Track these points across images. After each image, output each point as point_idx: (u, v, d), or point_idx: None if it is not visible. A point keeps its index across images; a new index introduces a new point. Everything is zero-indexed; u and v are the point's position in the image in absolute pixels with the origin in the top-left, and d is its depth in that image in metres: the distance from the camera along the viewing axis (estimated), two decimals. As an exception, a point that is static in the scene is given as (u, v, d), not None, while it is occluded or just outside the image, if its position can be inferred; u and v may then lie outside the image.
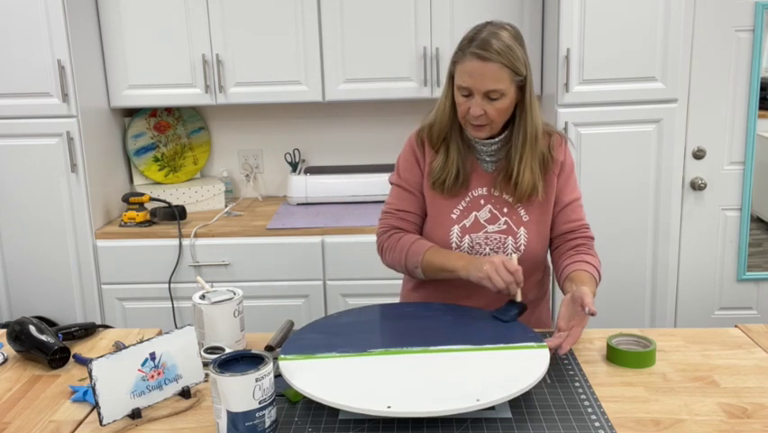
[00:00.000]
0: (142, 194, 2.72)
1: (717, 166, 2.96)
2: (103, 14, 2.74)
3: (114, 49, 2.76)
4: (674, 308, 3.11)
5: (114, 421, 1.22)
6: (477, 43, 1.46)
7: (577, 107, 2.52)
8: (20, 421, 1.25)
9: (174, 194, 2.89)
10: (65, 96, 2.55)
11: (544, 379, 1.33)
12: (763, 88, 2.87)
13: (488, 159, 1.61)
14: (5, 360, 1.51)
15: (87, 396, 1.31)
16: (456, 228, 1.60)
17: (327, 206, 2.92)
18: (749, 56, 2.84)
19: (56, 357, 1.46)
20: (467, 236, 1.59)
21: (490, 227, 1.59)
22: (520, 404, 1.24)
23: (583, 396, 1.27)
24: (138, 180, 3.02)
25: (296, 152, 3.09)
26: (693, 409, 1.23)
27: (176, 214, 2.71)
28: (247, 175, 3.16)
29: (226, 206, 2.99)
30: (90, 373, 1.18)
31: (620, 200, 2.59)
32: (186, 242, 2.65)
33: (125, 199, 2.72)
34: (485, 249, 1.59)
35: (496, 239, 1.59)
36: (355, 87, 2.77)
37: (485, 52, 1.44)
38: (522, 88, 1.51)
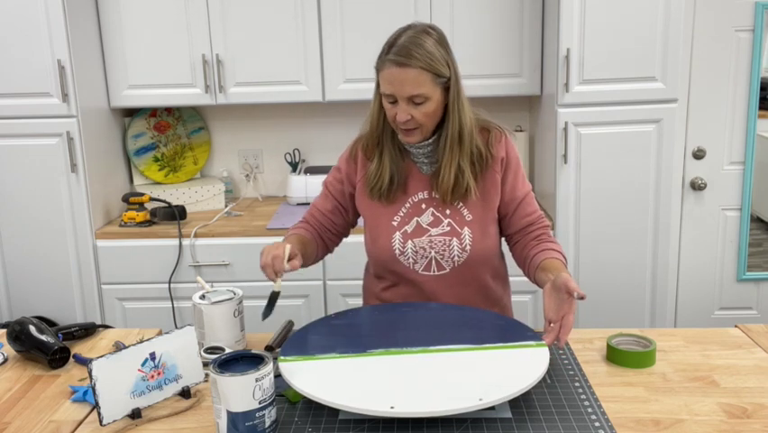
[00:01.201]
0: (142, 194, 2.72)
1: (717, 166, 2.96)
2: (103, 14, 2.74)
3: (114, 49, 2.76)
4: (674, 308, 3.11)
5: (114, 421, 1.22)
6: (395, 50, 1.45)
7: (577, 107, 2.52)
8: (20, 421, 1.25)
9: (174, 194, 2.89)
10: (65, 96, 2.55)
11: (543, 379, 1.33)
12: (763, 88, 2.87)
13: (425, 160, 1.60)
14: (5, 360, 1.51)
15: (87, 396, 1.31)
16: (398, 235, 1.59)
17: (327, 206, 2.91)
18: (749, 56, 2.84)
19: (56, 357, 1.46)
20: (409, 242, 1.58)
21: (434, 230, 1.58)
22: (520, 404, 1.24)
23: (583, 396, 1.27)
24: (138, 180, 3.02)
25: (296, 152, 3.09)
26: (693, 409, 1.23)
27: (176, 214, 2.71)
28: (247, 175, 3.16)
29: (226, 206, 2.99)
30: (90, 373, 1.18)
31: (620, 200, 2.59)
32: (186, 242, 2.65)
33: (125, 199, 2.72)
34: (430, 253, 1.58)
35: (440, 242, 1.58)
36: (355, 87, 2.77)
37: (403, 58, 1.44)
38: (448, 90, 1.50)
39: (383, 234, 1.60)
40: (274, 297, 1.49)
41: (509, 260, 1.71)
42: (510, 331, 1.41)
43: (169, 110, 3.04)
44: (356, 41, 2.72)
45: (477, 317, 1.49)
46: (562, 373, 1.36)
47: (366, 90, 2.73)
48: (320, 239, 1.70)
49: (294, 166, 3.01)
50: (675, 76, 2.49)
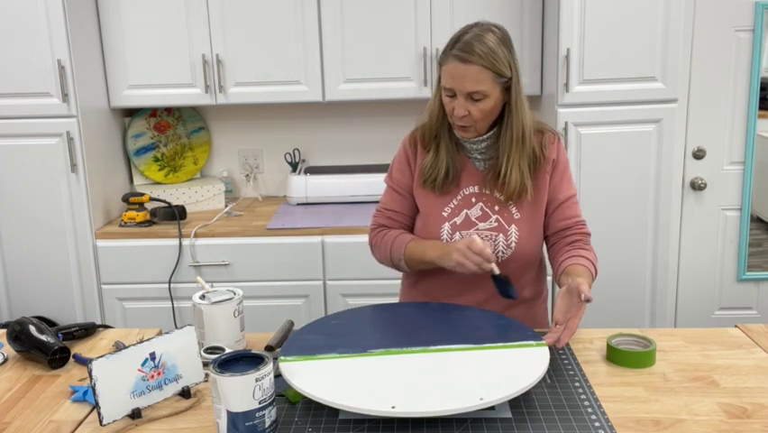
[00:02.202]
0: (142, 194, 2.72)
1: (717, 166, 2.96)
2: (103, 14, 2.74)
3: (114, 49, 2.76)
4: (674, 308, 3.11)
5: (114, 421, 1.22)
6: (459, 45, 1.48)
7: (577, 107, 2.52)
8: (20, 421, 1.25)
9: (174, 194, 2.89)
10: (65, 96, 2.55)
11: (543, 379, 1.33)
12: (763, 88, 2.87)
13: (478, 156, 1.62)
14: (5, 360, 1.51)
15: (87, 396, 1.31)
16: (447, 225, 1.61)
17: (327, 206, 2.92)
18: (749, 56, 2.84)
19: (56, 357, 1.46)
20: (457, 233, 1.61)
21: (481, 225, 1.60)
22: (520, 404, 1.24)
23: (583, 396, 1.27)
24: (138, 180, 3.02)
25: (296, 152, 3.09)
26: (693, 409, 1.23)
27: (176, 214, 2.71)
28: (247, 175, 3.16)
29: (226, 206, 2.99)
30: (90, 373, 1.18)
31: (620, 200, 2.59)
32: (186, 242, 2.65)
33: (125, 199, 2.72)
34: None
35: (487, 236, 1.59)
36: (355, 87, 2.77)
37: (466, 54, 1.47)
38: (508, 89, 1.52)
39: (433, 223, 1.63)
40: (507, 279, 1.53)
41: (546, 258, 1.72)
42: (510, 331, 1.41)
43: (169, 110, 3.04)
44: (356, 42, 2.72)
45: (477, 316, 1.50)
46: (562, 373, 1.36)
47: (366, 90, 2.77)
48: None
49: (294, 166, 3.01)
50: (675, 76, 2.49)
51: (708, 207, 3.00)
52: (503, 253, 1.60)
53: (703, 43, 2.84)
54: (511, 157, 1.56)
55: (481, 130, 1.56)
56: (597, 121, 2.53)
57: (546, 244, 1.69)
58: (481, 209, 1.61)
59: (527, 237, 1.60)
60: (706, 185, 2.96)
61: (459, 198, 1.63)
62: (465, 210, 1.62)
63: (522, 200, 1.60)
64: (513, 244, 1.59)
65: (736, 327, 1.59)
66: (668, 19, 2.45)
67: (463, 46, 1.48)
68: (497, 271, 1.51)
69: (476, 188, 1.62)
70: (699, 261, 3.05)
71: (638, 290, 2.66)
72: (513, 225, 1.60)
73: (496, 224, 1.60)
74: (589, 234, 1.65)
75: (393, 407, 1.12)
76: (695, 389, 1.30)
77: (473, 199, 1.62)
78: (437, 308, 1.55)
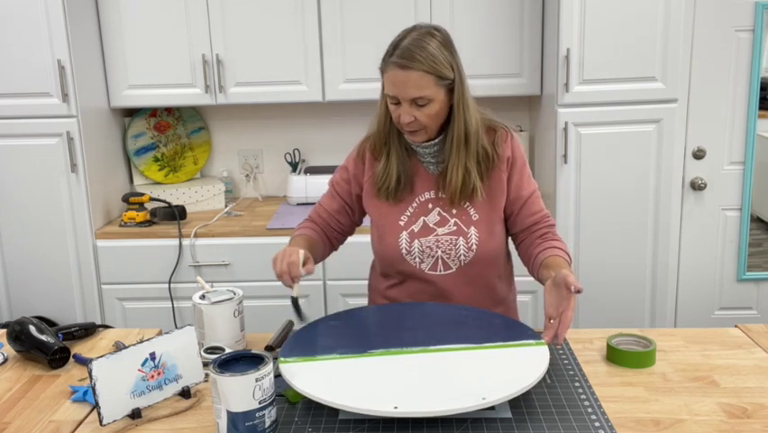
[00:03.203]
0: (142, 194, 2.72)
1: (717, 166, 2.96)
2: (103, 14, 2.74)
3: (114, 49, 2.76)
4: (674, 308, 3.11)
5: (114, 421, 1.22)
6: (398, 52, 1.46)
7: (577, 107, 2.52)
8: (20, 421, 1.25)
9: (174, 194, 2.89)
10: (65, 96, 2.55)
11: (543, 379, 1.33)
12: (763, 88, 2.87)
13: (431, 160, 1.60)
14: (5, 360, 1.51)
15: (87, 396, 1.31)
16: (404, 234, 1.60)
17: (327, 206, 2.91)
18: (749, 56, 2.84)
19: (56, 357, 1.46)
20: (416, 241, 1.59)
21: (440, 230, 1.59)
22: (520, 404, 1.24)
23: (583, 396, 1.27)
24: (138, 180, 3.02)
25: (296, 151, 3.09)
26: (693, 409, 1.23)
27: (176, 214, 2.71)
28: (247, 175, 3.16)
29: (226, 206, 2.99)
30: (90, 373, 1.18)
31: (620, 200, 2.59)
32: (186, 242, 2.65)
33: (125, 199, 2.72)
34: (436, 252, 1.59)
35: (447, 241, 1.58)
36: (355, 87, 2.77)
37: (405, 61, 1.45)
38: (453, 91, 1.51)
39: (390, 233, 1.61)
40: (295, 302, 1.51)
41: (516, 259, 1.71)
42: (509, 330, 1.41)
43: (169, 110, 3.04)
44: (356, 41, 2.72)
45: (476, 316, 1.50)
46: (562, 373, 1.36)
47: (366, 90, 2.76)
48: (326, 238, 1.72)
49: (294, 166, 3.01)
50: (675, 76, 2.49)
51: (708, 207, 3.00)
52: (465, 256, 1.58)
53: (703, 43, 2.84)
54: (454, 158, 1.54)
55: (432, 132, 1.54)
56: (597, 121, 2.53)
57: (514, 241, 1.67)
58: (439, 214, 1.60)
59: (487, 238, 1.59)
60: (706, 185, 2.96)
61: (414, 204, 1.61)
62: (422, 217, 1.60)
63: (477, 200, 1.58)
64: (474, 247, 1.58)
65: (736, 326, 1.59)
66: (668, 19, 2.45)
67: (402, 52, 1.45)
68: (293, 293, 1.49)
69: (431, 193, 1.61)
70: (699, 261, 3.05)
71: (638, 290, 2.66)
72: (472, 227, 1.58)
73: (455, 227, 1.58)
74: (554, 225, 1.64)
75: (396, 407, 1.12)
76: (695, 389, 1.30)
77: (430, 205, 1.60)
78: (436, 307, 1.55)
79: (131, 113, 3.00)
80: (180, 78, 2.77)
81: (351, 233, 1.78)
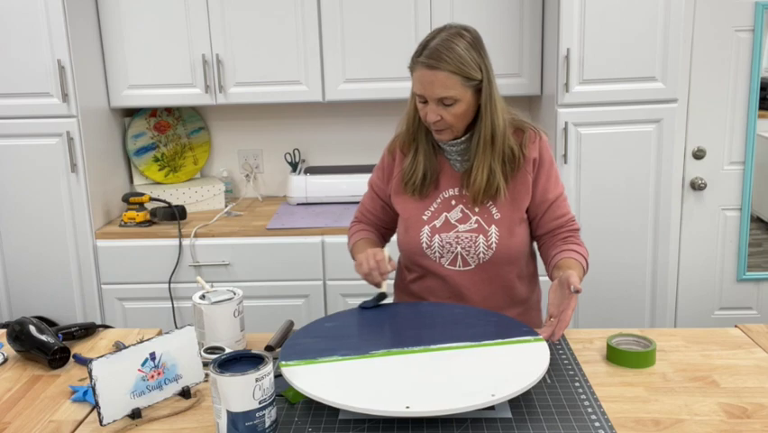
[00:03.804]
0: (142, 194, 2.72)
1: (717, 166, 2.96)
2: (103, 14, 2.74)
3: (114, 49, 2.76)
4: (674, 308, 3.11)
5: (114, 421, 1.22)
6: (426, 52, 1.48)
7: (577, 107, 2.52)
8: (20, 421, 1.25)
9: (174, 194, 2.89)
10: (65, 96, 2.55)
11: (543, 379, 1.33)
12: (763, 88, 2.88)
13: (458, 158, 1.63)
14: (5, 360, 1.51)
15: (87, 396, 1.31)
16: (426, 228, 1.62)
17: (327, 206, 2.92)
18: (749, 56, 2.84)
19: (56, 357, 1.46)
20: (437, 236, 1.61)
21: (461, 227, 1.60)
22: (520, 404, 1.24)
23: (583, 396, 1.27)
24: (138, 180, 3.02)
25: (296, 151, 3.09)
26: (693, 409, 1.23)
27: (176, 214, 2.71)
28: (247, 175, 3.16)
29: (226, 206, 2.99)
30: (90, 373, 1.18)
31: (620, 200, 2.59)
32: (186, 242, 2.65)
33: (125, 199, 2.72)
34: (456, 248, 1.60)
35: (467, 238, 1.60)
36: (355, 87, 2.77)
37: (433, 61, 1.47)
38: (480, 91, 1.52)
39: (413, 227, 1.64)
40: (383, 297, 1.57)
41: (540, 261, 1.72)
42: (505, 328, 1.42)
43: (168, 110, 3.04)
44: (356, 42, 2.72)
45: (472, 315, 1.50)
46: (562, 373, 1.36)
47: (366, 90, 2.77)
48: (380, 236, 1.79)
49: (294, 166, 3.01)
50: (675, 76, 2.49)
51: (708, 207, 3.00)
52: (484, 254, 1.59)
53: (703, 43, 2.84)
54: (478, 157, 1.56)
55: (458, 131, 1.56)
56: (597, 121, 2.53)
57: (537, 243, 1.68)
58: (461, 211, 1.61)
59: (508, 237, 1.60)
60: (706, 185, 2.97)
61: (438, 201, 1.63)
62: (445, 213, 1.62)
63: (500, 200, 1.59)
64: (494, 245, 1.59)
65: (736, 327, 1.59)
66: (668, 19, 2.45)
67: (430, 53, 1.47)
68: (383, 288, 1.55)
69: (455, 190, 1.63)
70: (698, 261, 3.05)
71: (638, 290, 2.66)
72: (493, 226, 1.59)
73: (476, 225, 1.60)
74: (578, 230, 1.65)
75: (407, 407, 1.12)
76: (695, 389, 1.30)
77: (453, 202, 1.62)
78: (431, 307, 1.56)
79: (131, 113, 3.00)
80: (180, 78, 2.77)
81: (396, 226, 1.81)
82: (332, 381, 1.22)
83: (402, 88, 2.76)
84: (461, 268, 1.61)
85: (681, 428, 1.17)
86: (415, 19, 2.70)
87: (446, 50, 1.47)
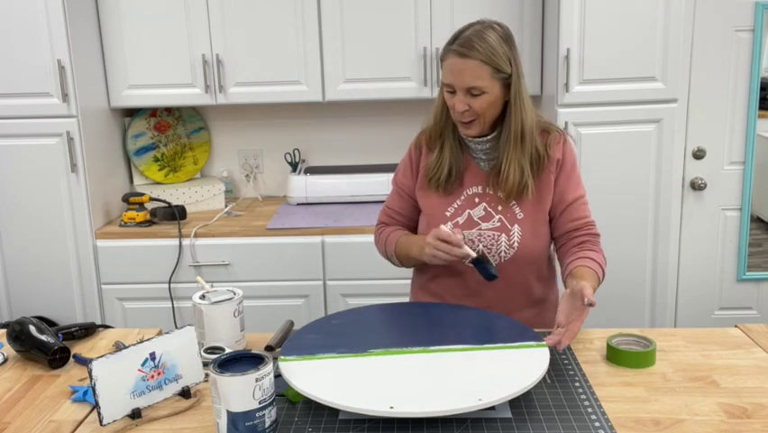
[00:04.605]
0: (142, 194, 2.72)
1: (717, 166, 2.96)
2: (103, 14, 2.74)
3: (114, 49, 2.76)
4: (674, 308, 3.11)
5: (114, 421, 1.22)
6: (459, 41, 1.50)
7: (577, 107, 2.52)
8: (20, 421, 1.25)
9: (174, 194, 2.89)
10: (65, 96, 2.55)
11: (543, 379, 1.33)
12: (763, 88, 2.87)
13: (483, 157, 1.63)
14: (5, 360, 1.51)
15: (87, 396, 1.31)
16: (449, 225, 1.62)
17: (327, 206, 2.92)
18: (749, 56, 2.84)
19: (56, 357, 1.46)
20: (459, 233, 1.60)
21: (484, 225, 1.61)
22: (520, 404, 1.24)
23: (583, 396, 1.27)
24: (138, 180, 3.02)
25: (296, 151, 3.09)
26: (693, 409, 1.23)
27: (176, 214, 2.71)
28: (247, 175, 3.16)
29: (226, 206, 2.99)
30: (90, 373, 1.18)
31: (620, 200, 2.59)
32: (186, 242, 2.65)
33: (125, 199, 2.72)
34: (478, 246, 1.60)
35: (489, 236, 1.60)
36: (355, 87, 2.77)
37: (464, 49, 1.48)
38: (509, 86, 1.53)
39: (436, 222, 1.63)
40: (484, 257, 1.54)
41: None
42: (510, 332, 1.41)
43: (168, 110, 3.04)
44: (356, 42, 2.72)
45: (478, 317, 1.49)
46: (562, 373, 1.36)
47: (366, 90, 2.77)
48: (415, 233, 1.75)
49: (294, 166, 3.01)
50: (675, 76, 2.49)
51: (708, 206, 3.00)
52: (506, 253, 1.60)
53: (703, 43, 2.84)
54: (510, 155, 1.56)
55: (485, 126, 1.56)
56: (597, 121, 2.53)
57: (555, 245, 1.68)
58: (484, 209, 1.62)
59: (530, 237, 1.60)
60: (706, 185, 2.97)
61: (462, 198, 1.63)
62: (468, 210, 1.62)
63: (524, 200, 1.60)
64: (516, 244, 1.60)
65: (735, 327, 1.59)
66: (668, 19, 2.45)
67: (463, 41, 1.49)
68: (472, 253, 1.49)
69: (479, 188, 1.63)
70: (698, 261, 3.05)
71: (638, 290, 2.66)
72: (516, 225, 1.60)
73: (499, 224, 1.60)
74: (598, 235, 1.65)
75: (391, 407, 1.12)
76: (695, 389, 1.30)
77: (476, 199, 1.62)
78: (439, 308, 1.55)
79: (131, 113, 3.00)
80: (180, 78, 2.77)
81: None
82: (325, 377, 1.22)
83: (402, 88, 2.77)
84: None
85: (681, 428, 1.17)
86: (415, 19, 2.70)
87: (479, 40, 1.48)
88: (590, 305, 1.33)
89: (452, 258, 1.50)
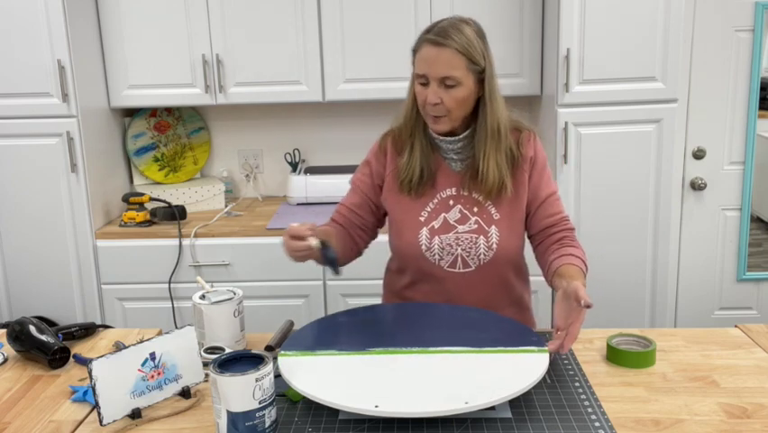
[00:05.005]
0: (142, 194, 2.72)
1: (717, 166, 2.96)
2: (103, 14, 2.74)
3: (114, 49, 2.76)
4: (674, 308, 3.11)
5: (114, 421, 1.22)
6: (434, 30, 1.49)
7: (577, 107, 2.52)
8: (20, 421, 1.25)
9: (174, 194, 2.89)
10: (65, 96, 2.55)
11: (543, 379, 1.33)
12: (763, 88, 2.88)
13: (455, 157, 1.60)
14: (5, 360, 1.51)
15: (87, 396, 1.31)
16: (425, 230, 1.59)
17: (327, 206, 2.91)
18: (749, 56, 2.84)
19: (56, 357, 1.46)
20: (436, 237, 1.58)
21: (461, 227, 1.58)
22: (520, 404, 1.24)
23: (583, 396, 1.27)
24: (138, 180, 3.02)
25: (296, 151, 3.09)
26: (693, 409, 1.23)
27: (176, 214, 2.71)
28: (247, 175, 3.16)
29: (226, 206, 2.99)
30: (90, 373, 1.18)
31: (620, 200, 2.59)
32: (186, 242, 2.65)
33: (125, 199, 2.72)
34: (456, 249, 1.58)
35: (467, 239, 1.58)
36: (355, 87, 2.77)
37: (440, 38, 1.47)
38: (482, 82, 1.51)
39: (409, 228, 1.60)
40: (325, 247, 1.44)
41: (529, 258, 1.70)
42: (512, 335, 1.40)
43: (168, 110, 3.04)
44: (356, 42, 2.72)
45: (481, 319, 1.48)
46: (562, 373, 1.36)
47: (366, 90, 2.77)
48: (348, 235, 1.67)
49: (294, 166, 3.01)
50: (675, 76, 2.49)
51: (708, 207, 3.00)
52: (485, 255, 1.58)
53: (703, 43, 2.84)
54: (487, 152, 1.54)
55: (454, 123, 1.53)
56: (597, 121, 2.53)
57: (531, 243, 1.66)
58: (460, 211, 1.59)
59: (508, 237, 1.59)
60: (706, 185, 2.97)
61: (436, 201, 1.60)
62: (443, 213, 1.59)
63: (501, 199, 1.58)
64: (494, 246, 1.58)
65: (735, 327, 1.59)
66: (668, 19, 2.45)
67: (438, 31, 1.48)
68: (313, 242, 1.41)
69: (453, 189, 1.60)
70: (698, 261, 3.05)
71: (638, 290, 2.66)
72: (493, 226, 1.58)
73: (476, 225, 1.58)
74: (573, 230, 1.63)
75: (376, 406, 1.12)
76: (695, 389, 1.30)
77: (451, 202, 1.60)
78: (440, 308, 1.55)
79: (131, 113, 3.00)
80: (180, 78, 2.77)
81: (374, 233, 1.74)
82: (322, 375, 1.23)
83: (402, 88, 2.74)
84: (462, 270, 1.59)
85: (681, 428, 1.17)
86: (415, 19, 2.69)
87: (455, 31, 1.47)
88: (588, 306, 1.31)
89: (307, 252, 1.43)
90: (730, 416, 1.20)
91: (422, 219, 1.60)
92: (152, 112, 3.01)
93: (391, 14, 2.70)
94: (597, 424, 1.17)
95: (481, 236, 1.58)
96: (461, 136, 1.57)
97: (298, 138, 3.12)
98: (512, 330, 1.43)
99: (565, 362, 1.41)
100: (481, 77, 1.51)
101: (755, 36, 2.82)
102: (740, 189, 2.97)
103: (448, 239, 1.58)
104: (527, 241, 1.68)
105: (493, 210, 1.59)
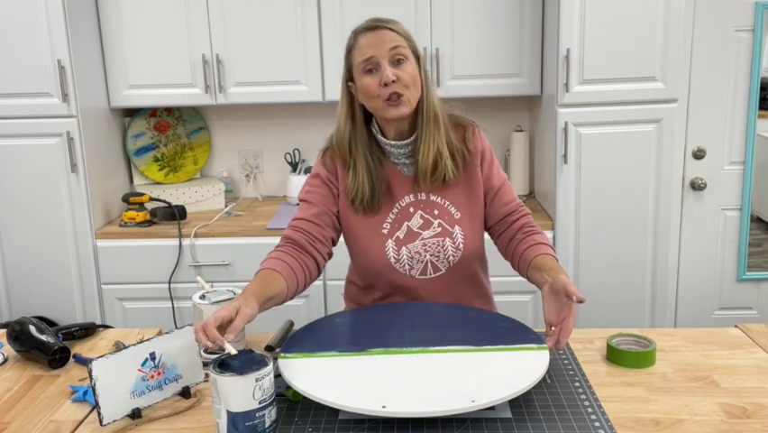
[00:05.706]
0: (142, 194, 2.72)
1: (717, 166, 2.96)
2: (103, 14, 2.74)
3: (114, 49, 2.76)
4: (674, 308, 3.11)
5: (114, 421, 1.22)
6: (368, 21, 1.52)
7: (577, 107, 2.52)
8: (20, 421, 1.25)
9: (174, 194, 2.89)
10: (65, 96, 2.55)
11: (543, 379, 1.33)
12: (763, 88, 2.88)
13: (406, 162, 1.57)
14: (5, 360, 1.51)
15: (87, 396, 1.31)
16: (390, 242, 1.56)
17: (327, 206, 2.91)
18: (749, 56, 2.84)
19: (56, 357, 1.46)
20: (404, 248, 1.56)
21: (426, 233, 1.56)
22: (520, 404, 1.24)
23: (583, 396, 1.27)
24: (138, 180, 3.02)
25: (296, 152, 3.09)
26: (693, 409, 1.23)
27: (176, 214, 2.71)
28: (247, 175, 3.16)
29: (226, 206, 2.99)
30: (90, 373, 1.18)
31: (620, 200, 2.59)
32: (186, 242, 2.65)
33: (125, 199, 2.72)
34: (425, 256, 1.56)
35: (434, 243, 1.56)
36: (355, 87, 2.76)
37: (376, 23, 1.50)
38: (419, 68, 1.52)
39: (374, 244, 1.56)
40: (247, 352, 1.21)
41: (489, 250, 1.68)
42: (512, 333, 1.40)
43: (168, 110, 3.04)
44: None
45: (480, 318, 1.49)
46: (562, 373, 1.36)
47: (366, 90, 2.76)
48: (301, 262, 1.51)
49: (294, 166, 3.01)
50: (675, 76, 2.49)
51: (708, 207, 3.00)
52: (453, 256, 1.57)
53: (703, 43, 2.84)
54: (425, 136, 1.51)
55: (412, 105, 1.48)
56: (597, 121, 2.53)
57: (492, 233, 1.64)
58: (422, 217, 1.57)
59: (472, 234, 1.58)
60: (706, 185, 2.97)
61: (395, 211, 1.57)
62: (405, 222, 1.56)
63: (456, 194, 1.56)
64: (461, 245, 1.56)
65: (735, 327, 1.59)
66: (668, 19, 2.45)
67: (371, 20, 1.51)
68: (232, 350, 1.17)
69: (411, 196, 1.57)
70: (698, 261, 3.05)
71: (638, 290, 2.66)
72: (456, 226, 1.57)
73: (440, 228, 1.56)
74: (530, 214, 1.62)
75: (384, 406, 1.12)
76: (695, 389, 1.30)
77: (411, 209, 1.57)
78: (440, 308, 1.54)
79: (131, 113, 3.00)
80: (180, 78, 2.77)
81: (331, 249, 1.62)
82: (322, 376, 1.22)
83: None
84: (433, 275, 1.58)
85: (681, 428, 1.17)
86: (415, 19, 2.69)
87: (387, 20, 1.51)
88: (581, 301, 1.29)
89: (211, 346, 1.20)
90: (730, 416, 1.20)
91: (385, 232, 1.56)
92: (152, 112, 3.01)
93: (391, 15, 2.68)
94: (597, 424, 1.17)
95: (447, 238, 1.56)
96: (410, 140, 1.54)
97: (298, 138, 3.12)
98: (509, 328, 1.43)
99: (565, 362, 1.41)
100: (419, 62, 1.51)
101: (755, 36, 2.82)
102: (740, 189, 2.97)
103: (415, 247, 1.56)
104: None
105: (453, 209, 1.57)
